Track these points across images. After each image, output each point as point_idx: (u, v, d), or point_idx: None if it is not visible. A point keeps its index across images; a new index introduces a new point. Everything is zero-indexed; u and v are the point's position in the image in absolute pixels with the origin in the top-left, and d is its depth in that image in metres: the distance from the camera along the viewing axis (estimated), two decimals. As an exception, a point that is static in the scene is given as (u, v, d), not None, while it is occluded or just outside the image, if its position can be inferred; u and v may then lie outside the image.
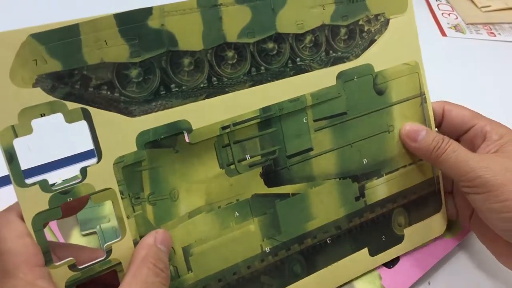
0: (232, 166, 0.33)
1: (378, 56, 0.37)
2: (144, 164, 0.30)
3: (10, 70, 0.25)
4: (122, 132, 0.28)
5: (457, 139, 0.39)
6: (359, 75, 0.36)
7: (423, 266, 0.40)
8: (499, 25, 0.73)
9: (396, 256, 0.39)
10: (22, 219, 0.26)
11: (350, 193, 0.37)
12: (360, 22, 0.36)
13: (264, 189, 0.35)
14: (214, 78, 0.32)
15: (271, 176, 0.35)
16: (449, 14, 0.74)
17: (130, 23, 0.28)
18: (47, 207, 0.26)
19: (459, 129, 0.39)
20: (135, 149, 0.29)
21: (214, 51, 0.32)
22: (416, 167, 0.39)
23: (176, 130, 0.30)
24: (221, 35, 0.32)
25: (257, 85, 0.33)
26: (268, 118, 0.34)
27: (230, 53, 0.32)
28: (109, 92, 0.28)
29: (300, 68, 0.34)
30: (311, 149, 0.36)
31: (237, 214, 0.34)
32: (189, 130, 0.31)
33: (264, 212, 0.34)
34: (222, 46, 0.32)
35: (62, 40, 0.26)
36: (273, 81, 0.33)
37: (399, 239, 0.39)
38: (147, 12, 0.29)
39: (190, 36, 0.31)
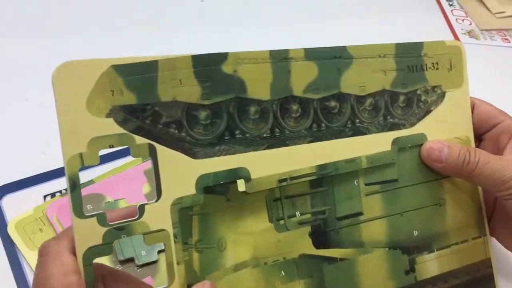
0: (282, 222, 0.33)
1: (432, 127, 0.37)
2: (196, 209, 0.30)
3: (87, 98, 0.26)
4: (184, 172, 0.28)
5: (481, 136, 0.39)
6: (412, 144, 0.36)
7: None
8: (513, 31, 0.72)
9: None
10: (72, 251, 0.25)
11: (399, 265, 0.36)
12: (418, 92, 0.37)
13: (312, 250, 0.34)
14: (277, 130, 0.32)
15: (320, 237, 0.34)
16: (463, 20, 0.74)
17: (206, 66, 0.29)
18: (100, 242, 0.26)
19: (485, 125, 0.38)
20: (194, 191, 0.28)
21: (280, 102, 0.32)
22: (469, 245, 0.38)
23: (235, 177, 0.30)
24: (288, 87, 0.32)
25: (316, 141, 0.33)
26: (321, 177, 0.34)
27: (294, 107, 0.33)
28: (177, 131, 0.28)
29: (358, 129, 0.35)
30: (361, 214, 0.35)
31: (283, 274, 0.33)
32: (248, 179, 0.30)
33: (310, 275, 0.33)
34: (288, 99, 0.32)
35: (140, 74, 0.27)
36: (331, 139, 0.34)
37: None
38: (222, 57, 0.30)
39: (259, 85, 0.31)
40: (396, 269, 0.36)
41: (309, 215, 0.34)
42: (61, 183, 0.44)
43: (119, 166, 0.45)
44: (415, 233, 0.37)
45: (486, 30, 0.72)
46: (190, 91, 0.29)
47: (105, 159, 0.46)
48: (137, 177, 0.43)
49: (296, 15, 0.71)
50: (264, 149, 0.31)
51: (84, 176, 0.44)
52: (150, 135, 0.27)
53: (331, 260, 0.34)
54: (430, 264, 0.37)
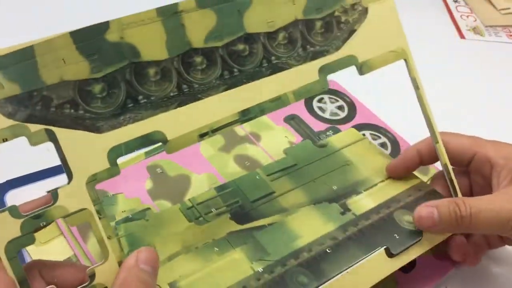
0: (200, 218, 0.36)
1: (361, 46, 0.35)
2: (120, 234, 0.33)
3: None
4: (92, 149, 0.27)
5: (466, 170, 0.38)
6: (342, 67, 0.35)
7: (441, 272, 0.39)
8: (518, 28, 0.72)
9: (419, 254, 0.35)
10: None
11: (332, 211, 0.37)
12: (336, 13, 0.35)
13: (238, 227, 0.35)
14: (185, 86, 0.30)
15: (241, 217, 0.36)
16: (467, 16, 0.74)
17: (87, 40, 0.27)
18: (19, 233, 0.25)
19: (462, 160, 0.37)
20: (108, 165, 0.27)
21: (181, 58, 0.30)
22: (396, 178, 0.40)
23: (150, 143, 0.29)
24: (185, 41, 0.30)
25: (232, 88, 0.31)
26: (223, 185, 0.37)
27: (198, 59, 0.31)
28: (72, 110, 0.27)
29: (276, 66, 0.33)
30: (273, 192, 0.38)
31: (217, 249, 0.34)
32: (164, 141, 0.29)
33: (244, 242, 0.34)
34: (188, 53, 0.30)
35: (17, 63, 0.25)
36: (248, 82, 0.32)
37: (416, 234, 0.35)
38: (104, 26, 0.28)
39: (152, 46, 0.29)
40: (330, 214, 0.37)
41: (224, 207, 0.36)
42: (64, 180, 0.44)
43: (122, 162, 0.45)
44: (334, 187, 0.39)
45: (491, 26, 0.72)
46: (77, 68, 0.27)
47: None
48: (139, 173, 0.43)
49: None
50: (175, 108, 0.29)
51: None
52: (44, 120, 0.26)
53: (259, 228, 0.35)
54: (364, 201, 0.38)
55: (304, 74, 0.33)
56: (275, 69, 0.33)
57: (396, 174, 0.40)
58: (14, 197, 0.42)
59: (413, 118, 0.54)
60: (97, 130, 0.27)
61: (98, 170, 0.27)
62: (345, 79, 0.55)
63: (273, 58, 0.33)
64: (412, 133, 0.50)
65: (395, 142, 0.49)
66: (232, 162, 0.45)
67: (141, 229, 0.34)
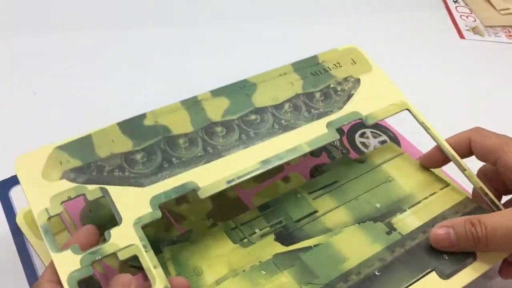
0: (245, 240, 0.36)
1: (361, 104, 0.40)
2: (166, 257, 0.35)
3: (42, 172, 0.32)
4: (137, 199, 0.33)
5: (494, 164, 0.38)
6: (348, 121, 0.39)
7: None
8: (518, 28, 0.72)
9: (474, 277, 0.34)
10: (54, 283, 0.29)
11: (378, 231, 0.37)
12: (332, 86, 0.40)
13: (283, 249, 0.36)
14: (209, 148, 0.36)
15: (286, 238, 0.36)
16: (467, 17, 0.74)
17: (131, 126, 0.35)
18: (79, 266, 0.29)
19: (488, 161, 0.38)
20: (151, 210, 0.32)
21: (204, 129, 0.37)
22: (441, 194, 0.39)
23: (184, 190, 0.33)
24: (206, 118, 0.37)
25: (250, 146, 0.36)
26: (267, 202, 0.38)
27: (218, 129, 0.37)
28: (120, 173, 0.34)
29: (287, 127, 0.38)
30: (316, 211, 0.38)
31: (264, 272, 0.34)
32: (197, 188, 0.34)
33: (291, 265, 0.34)
34: (209, 125, 0.37)
35: (79, 146, 0.34)
36: (265, 140, 0.37)
37: (467, 254, 0.35)
38: (142, 116, 0.36)
39: (180, 124, 0.37)
40: (375, 234, 0.37)
41: (268, 228, 0.37)
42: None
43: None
44: (378, 205, 0.39)
45: (491, 26, 0.72)
46: (122, 144, 0.35)
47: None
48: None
49: (300, 13, 0.71)
50: (203, 164, 0.35)
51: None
52: (99, 182, 0.33)
53: (305, 249, 0.35)
54: (409, 220, 0.38)
55: (314, 129, 0.38)
56: (287, 128, 0.38)
57: (429, 165, 0.41)
58: (18, 192, 0.43)
59: (411, 116, 0.55)
60: (141, 185, 0.33)
61: (142, 214, 0.32)
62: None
63: (282, 121, 0.38)
64: (412, 131, 0.51)
65: (395, 140, 0.50)
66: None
67: (186, 252, 0.35)
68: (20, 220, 0.40)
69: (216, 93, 0.38)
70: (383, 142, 0.50)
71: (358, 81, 0.41)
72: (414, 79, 0.61)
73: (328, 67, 0.41)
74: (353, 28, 0.69)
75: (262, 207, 0.39)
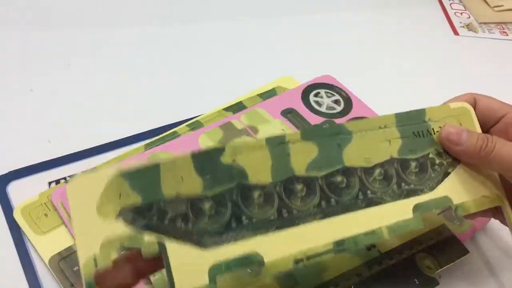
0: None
1: (455, 189, 0.36)
2: None
3: (98, 205, 0.27)
4: (195, 264, 0.29)
5: (489, 130, 0.39)
6: (437, 207, 0.35)
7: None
8: (512, 25, 0.73)
9: None
10: None
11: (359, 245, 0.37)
12: (430, 156, 0.36)
13: None
14: (284, 210, 0.32)
15: None
16: (461, 13, 0.75)
17: (205, 162, 0.30)
18: None
19: (490, 120, 0.38)
20: (207, 282, 0.29)
21: (283, 184, 0.32)
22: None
23: (248, 264, 0.30)
24: (289, 168, 0.32)
25: (328, 218, 0.32)
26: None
27: (299, 186, 0.32)
28: (183, 224, 0.29)
29: (371, 200, 0.34)
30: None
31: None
32: (261, 263, 0.30)
33: None
34: (290, 179, 0.32)
35: (145, 176, 0.28)
36: (344, 213, 0.33)
37: (434, 283, 0.38)
38: (220, 150, 0.31)
39: (259, 170, 0.32)
40: (357, 248, 0.36)
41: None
42: (66, 171, 0.45)
43: (122, 154, 0.46)
44: None
45: (485, 23, 0.73)
46: (192, 185, 0.30)
47: (108, 147, 0.47)
48: (139, 165, 0.44)
49: (294, 8, 0.72)
50: (274, 231, 0.31)
51: (88, 164, 0.45)
52: (158, 230, 0.29)
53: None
54: (389, 240, 0.39)
55: (398, 210, 0.34)
56: (370, 203, 0.34)
57: None
58: (16, 188, 0.43)
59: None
60: (203, 245, 0.29)
61: (198, 285, 0.29)
62: (341, 74, 0.56)
63: (368, 192, 0.34)
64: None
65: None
66: (230, 154, 0.46)
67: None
68: (17, 215, 0.40)
69: (306, 136, 0.33)
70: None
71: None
72: (408, 76, 0.62)
73: (433, 129, 0.36)
74: (344, 24, 0.70)
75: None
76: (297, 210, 0.32)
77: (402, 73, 0.62)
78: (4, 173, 0.44)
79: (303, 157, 0.33)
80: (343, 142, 0.34)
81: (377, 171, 0.34)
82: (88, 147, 0.47)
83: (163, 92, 0.55)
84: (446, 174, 0.36)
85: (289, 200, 0.32)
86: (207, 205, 0.30)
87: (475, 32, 0.71)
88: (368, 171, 0.34)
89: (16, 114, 0.50)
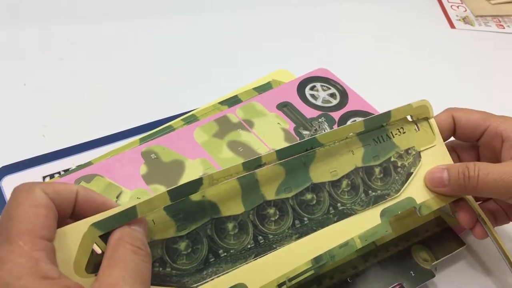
0: None
1: (418, 188, 0.37)
2: None
3: (74, 263, 0.26)
4: None
5: (475, 145, 0.39)
6: (402, 209, 0.36)
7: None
8: (508, 18, 0.73)
9: None
10: (43, 190, 0.25)
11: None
12: (392, 159, 0.37)
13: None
14: (260, 237, 0.33)
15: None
16: (458, 7, 0.74)
17: (184, 196, 0.30)
18: None
19: (473, 135, 0.38)
20: None
21: (256, 211, 0.33)
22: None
23: None
24: (259, 195, 0.33)
25: (304, 236, 0.33)
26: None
27: (271, 210, 0.34)
28: (161, 268, 0.30)
29: (342, 212, 0.35)
30: None
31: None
32: None
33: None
34: (262, 205, 0.33)
35: (121, 222, 0.27)
36: (318, 229, 0.34)
37: (430, 274, 0.39)
38: (197, 183, 0.30)
39: (230, 202, 0.32)
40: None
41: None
42: (60, 165, 0.45)
43: (117, 148, 0.46)
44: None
45: (481, 16, 0.73)
46: (164, 227, 0.30)
47: (103, 141, 0.47)
48: (134, 159, 0.44)
49: (289, 1, 0.71)
50: (253, 259, 0.32)
51: (82, 158, 0.45)
52: None
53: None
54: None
55: (367, 218, 0.35)
56: (342, 215, 0.35)
57: None
58: (10, 182, 0.43)
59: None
60: (183, 286, 0.30)
61: None
62: (337, 67, 0.56)
63: (339, 205, 0.35)
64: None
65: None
66: (226, 148, 0.46)
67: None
68: (11, 210, 0.40)
69: (281, 155, 0.33)
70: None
71: (419, 155, 0.38)
72: (404, 69, 0.62)
73: (391, 132, 0.38)
74: (342, 17, 0.70)
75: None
76: (273, 234, 0.33)
77: (398, 66, 0.62)
78: (-2, 167, 0.44)
79: (271, 181, 0.34)
80: (308, 159, 0.35)
81: (344, 182, 0.36)
82: (83, 141, 0.47)
83: (158, 86, 0.55)
84: (409, 174, 0.37)
85: (264, 226, 0.33)
86: (182, 245, 0.31)
87: (471, 25, 0.71)
88: (336, 183, 0.36)
89: (9, 109, 0.50)
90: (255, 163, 0.32)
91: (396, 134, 0.38)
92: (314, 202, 0.35)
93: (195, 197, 0.31)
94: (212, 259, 0.31)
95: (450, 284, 0.40)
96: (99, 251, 0.28)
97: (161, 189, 0.42)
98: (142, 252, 0.26)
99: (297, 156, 0.35)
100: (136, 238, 0.27)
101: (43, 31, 0.59)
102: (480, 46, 0.67)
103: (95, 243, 0.27)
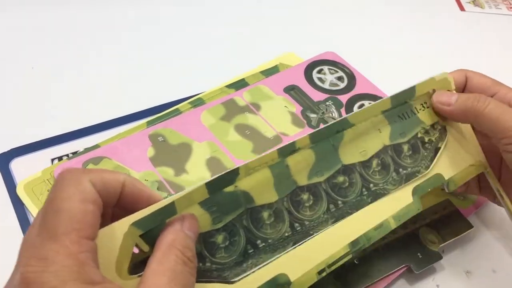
0: None
1: (446, 164, 0.37)
2: None
3: (116, 264, 0.25)
4: None
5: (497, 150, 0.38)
6: (432, 186, 0.36)
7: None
8: (519, 0, 0.72)
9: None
10: (92, 182, 0.24)
11: None
12: (419, 135, 0.37)
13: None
14: (297, 224, 0.32)
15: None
16: (468, -11, 0.73)
17: (221, 188, 0.29)
18: None
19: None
20: None
21: (289, 198, 0.32)
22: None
23: (276, 286, 0.30)
24: (291, 181, 0.32)
25: (339, 220, 0.33)
26: None
27: (305, 196, 0.33)
28: (201, 264, 0.29)
29: (376, 193, 0.34)
30: None
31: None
32: (288, 283, 0.30)
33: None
34: (295, 191, 0.32)
35: (161, 220, 0.26)
36: (353, 212, 0.33)
37: (438, 256, 0.39)
38: (234, 173, 0.30)
39: (263, 190, 0.31)
40: None
41: None
42: (68, 147, 0.45)
43: (125, 131, 0.46)
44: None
45: (491, -2, 0.72)
46: (200, 221, 0.28)
47: (111, 124, 0.47)
48: (142, 142, 0.44)
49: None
50: (292, 247, 0.31)
51: (90, 141, 0.45)
52: None
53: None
54: None
55: (401, 197, 0.35)
56: (375, 196, 0.34)
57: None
58: (19, 164, 0.43)
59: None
60: (226, 280, 0.29)
61: None
62: (344, 50, 0.55)
63: (371, 185, 0.35)
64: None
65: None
66: (233, 130, 0.46)
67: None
68: (20, 192, 0.41)
69: (314, 138, 0.33)
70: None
71: (444, 130, 0.38)
72: (412, 52, 0.61)
73: (415, 108, 0.37)
74: (350, 0, 0.69)
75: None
76: (309, 220, 0.32)
77: (406, 49, 0.62)
78: (7, 150, 0.44)
79: (302, 167, 0.33)
80: (336, 141, 0.34)
81: (375, 162, 0.35)
82: (91, 124, 0.47)
83: (165, 69, 0.55)
84: (437, 149, 0.37)
85: (299, 213, 0.32)
86: (220, 238, 0.30)
87: (481, 7, 0.70)
88: (366, 164, 0.35)
89: (18, 92, 0.50)
90: (289, 148, 0.32)
91: (420, 109, 0.37)
92: (347, 184, 0.34)
93: (228, 188, 0.30)
94: (251, 251, 0.30)
95: (457, 266, 0.40)
96: (136, 250, 0.27)
97: (169, 171, 0.42)
98: (192, 264, 0.25)
99: (326, 139, 0.34)
100: (188, 247, 0.26)
101: (51, 14, 0.59)
102: (490, 28, 0.66)
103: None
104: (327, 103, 0.50)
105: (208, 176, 0.41)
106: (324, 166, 0.34)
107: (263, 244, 0.31)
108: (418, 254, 0.38)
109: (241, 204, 0.31)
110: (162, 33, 0.60)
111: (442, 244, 0.39)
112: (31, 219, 0.40)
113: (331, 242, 0.32)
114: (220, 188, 0.29)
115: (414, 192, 0.35)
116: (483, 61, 0.60)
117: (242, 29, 0.62)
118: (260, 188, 0.31)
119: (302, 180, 0.33)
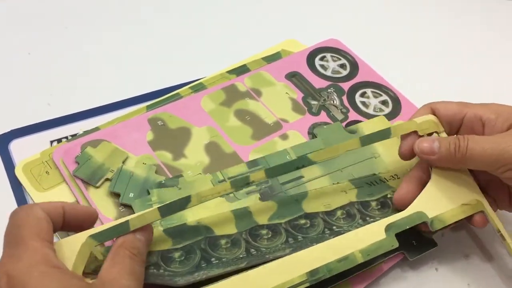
0: (231, 195, 0.37)
1: (429, 203, 0.35)
2: (153, 199, 0.36)
3: (72, 267, 0.29)
4: None
5: (457, 132, 0.38)
6: (411, 224, 0.34)
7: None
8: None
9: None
10: (43, 209, 0.29)
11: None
12: (389, 195, 0.37)
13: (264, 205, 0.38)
14: (253, 250, 0.34)
15: (270, 198, 0.38)
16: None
17: (172, 212, 0.32)
18: None
19: (453, 124, 0.38)
20: None
21: (248, 231, 0.35)
22: None
23: None
24: (252, 221, 0.36)
25: (298, 250, 0.33)
26: (255, 161, 0.38)
27: (263, 231, 0.35)
28: (155, 270, 0.32)
29: (339, 233, 0.34)
30: (302, 177, 0.39)
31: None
32: None
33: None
34: (255, 228, 0.35)
35: (115, 235, 0.30)
36: (313, 245, 0.33)
37: (432, 244, 0.38)
38: (186, 200, 0.32)
39: (224, 226, 0.35)
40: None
41: (254, 186, 0.38)
42: (67, 130, 0.45)
43: (124, 115, 0.46)
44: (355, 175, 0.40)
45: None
46: (161, 243, 0.33)
47: (110, 108, 0.47)
48: (141, 125, 0.44)
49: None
50: (245, 266, 0.32)
51: (89, 124, 0.45)
52: None
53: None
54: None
55: (370, 233, 0.34)
56: (338, 235, 0.34)
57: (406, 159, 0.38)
58: (18, 146, 0.43)
59: (415, 76, 0.54)
60: (175, 283, 0.32)
61: None
62: (347, 37, 0.55)
63: (334, 227, 0.35)
64: (413, 91, 0.50)
65: (396, 100, 0.49)
66: (233, 116, 0.46)
67: (173, 197, 0.33)
68: (19, 173, 0.41)
69: (269, 173, 0.34)
70: (383, 102, 0.49)
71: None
72: (419, 40, 0.60)
73: (384, 178, 0.38)
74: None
75: (250, 164, 0.40)
76: (265, 248, 0.34)
77: (412, 37, 0.61)
78: (6, 131, 0.44)
79: (264, 213, 0.36)
80: (300, 197, 0.37)
81: (339, 212, 0.36)
82: (90, 107, 0.47)
83: (166, 53, 0.55)
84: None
85: (256, 242, 0.34)
86: (176, 254, 0.33)
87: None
88: (330, 213, 0.36)
89: (14, 77, 0.50)
90: (243, 181, 0.33)
91: (390, 179, 0.39)
92: (308, 225, 0.35)
93: (191, 222, 0.35)
94: (204, 265, 0.33)
95: (454, 253, 0.39)
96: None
97: (167, 155, 0.42)
98: (137, 258, 0.30)
99: (289, 196, 0.37)
100: (135, 246, 0.30)
101: (48, 1, 0.59)
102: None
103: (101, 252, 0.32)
104: (329, 90, 0.49)
105: (206, 161, 0.42)
106: (286, 212, 0.36)
107: (217, 261, 0.33)
108: (413, 241, 0.37)
109: (201, 233, 0.34)
110: (163, 18, 0.59)
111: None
112: (29, 200, 0.40)
113: (287, 269, 0.32)
114: (173, 212, 0.32)
115: (388, 228, 0.34)
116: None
117: (245, 14, 0.61)
118: (221, 223, 0.35)
119: (263, 220, 0.36)
